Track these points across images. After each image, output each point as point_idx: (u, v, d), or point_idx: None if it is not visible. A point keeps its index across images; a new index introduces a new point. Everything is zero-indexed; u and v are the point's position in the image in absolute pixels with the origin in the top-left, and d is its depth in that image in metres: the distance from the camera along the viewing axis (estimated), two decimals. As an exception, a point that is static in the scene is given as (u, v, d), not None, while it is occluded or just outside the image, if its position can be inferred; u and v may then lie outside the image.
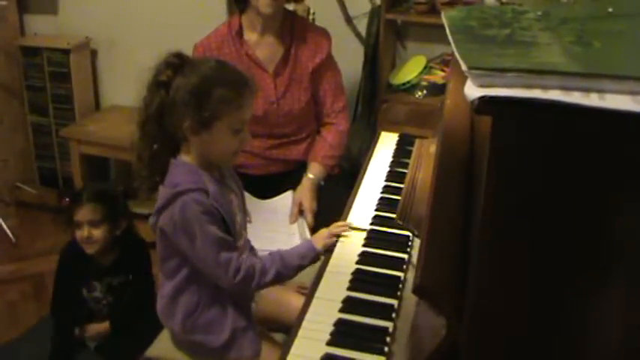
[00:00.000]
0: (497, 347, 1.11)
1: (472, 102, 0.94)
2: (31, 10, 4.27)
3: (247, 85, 1.90)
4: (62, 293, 2.81)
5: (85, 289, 2.77)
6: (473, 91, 0.94)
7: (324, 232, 2.09)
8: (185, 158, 1.90)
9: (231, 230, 1.92)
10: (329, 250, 2.03)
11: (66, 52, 4.01)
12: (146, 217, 3.66)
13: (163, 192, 1.89)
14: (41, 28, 4.26)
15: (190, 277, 1.93)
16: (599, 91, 0.93)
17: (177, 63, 1.87)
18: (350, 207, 2.25)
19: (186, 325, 1.96)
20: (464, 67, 0.98)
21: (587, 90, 0.93)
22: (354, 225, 2.13)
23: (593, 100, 0.91)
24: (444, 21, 1.28)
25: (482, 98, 0.93)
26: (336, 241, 2.08)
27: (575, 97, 0.91)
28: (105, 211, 2.75)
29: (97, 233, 2.72)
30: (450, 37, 1.17)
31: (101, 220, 2.73)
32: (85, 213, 2.71)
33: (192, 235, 1.83)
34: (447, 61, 3.50)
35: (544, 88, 0.93)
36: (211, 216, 1.85)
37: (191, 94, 1.82)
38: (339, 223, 2.13)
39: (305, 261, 1.99)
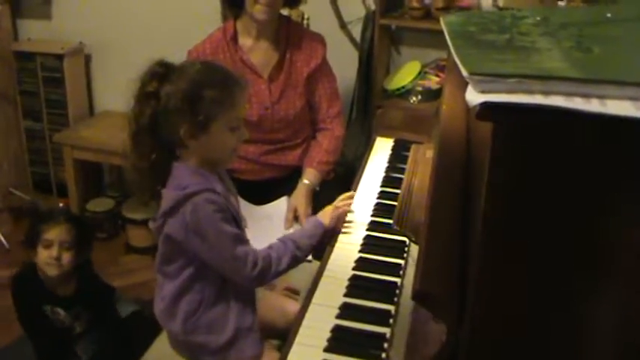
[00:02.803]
0: (498, 353, 1.11)
1: (473, 108, 0.94)
2: (25, 15, 4.26)
3: (237, 82, 1.90)
4: (27, 318, 2.76)
5: (49, 312, 2.74)
6: (474, 96, 0.94)
7: (329, 208, 2.13)
8: (187, 162, 1.90)
9: (240, 227, 1.93)
10: (330, 244, 2.06)
11: (60, 57, 4.01)
12: (140, 222, 3.70)
13: (170, 195, 1.87)
14: (35, 33, 4.25)
15: (196, 275, 1.92)
16: (600, 96, 0.93)
17: (161, 72, 1.86)
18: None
19: (187, 326, 1.94)
20: (465, 73, 0.97)
21: (588, 96, 0.92)
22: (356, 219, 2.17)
23: (594, 105, 0.91)
24: (443, 26, 1.28)
25: (483, 104, 0.92)
26: (345, 213, 2.13)
27: (577, 103, 0.91)
28: (77, 236, 2.72)
29: (67, 256, 2.68)
30: (449, 43, 1.17)
31: (72, 244, 2.70)
32: (59, 232, 2.68)
33: (205, 236, 1.83)
34: (441, 67, 3.50)
35: (545, 93, 0.92)
36: (224, 214, 1.85)
37: (183, 100, 1.82)
38: (344, 196, 2.15)
39: (314, 239, 2.03)
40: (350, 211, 2.15)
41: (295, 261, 1.97)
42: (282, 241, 1.99)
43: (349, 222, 2.15)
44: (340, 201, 2.16)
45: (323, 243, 2.06)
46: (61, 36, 4.17)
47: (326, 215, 2.11)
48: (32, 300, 2.72)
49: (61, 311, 2.73)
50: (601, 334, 1.06)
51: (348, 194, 2.20)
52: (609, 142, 0.94)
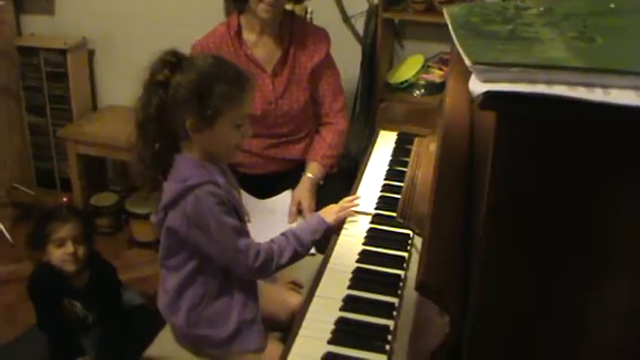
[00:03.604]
0: (501, 344, 1.11)
1: (477, 97, 0.94)
2: (28, 10, 4.26)
3: (247, 80, 1.90)
4: (46, 314, 2.77)
5: (67, 305, 2.76)
6: (477, 86, 0.94)
7: (333, 207, 2.12)
8: (189, 154, 1.89)
9: (242, 220, 1.93)
10: (334, 236, 2.05)
11: (63, 52, 4.00)
12: (144, 217, 3.70)
13: (172, 187, 1.87)
14: (38, 29, 4.24)
15: (198, 268, 1.93)
16: (604, 86, 0.93)
17: (173, 61, 1.86)
18: (349, 206, 2.23)
19: (190, 319, 1.95)
20: (468, 63, 0.97)
21: (591, 85, 0.93)
22: (360, 210, 2.17)
23: (597, 95, 0.91)
24: (447, 17, 1.28)
25: (486, 93, 0.92)
26: (348, 215, 2.11)
27: (580, 92, 0.91)
28: (85, 229, 2.77)
29: (81, 250, 2.71)
30: (452, 33, 1.17)
31: (83, 237, 2.73)
32: (70, 228, 2.70)
33: (207, 228, 1.83)
34: (444, 60, 3.50)
35: (548, 83, 0.92)
36: (225, 206, 1.86)
37: (192, 92, 1.82)
38: (349, 198, 2.15)
39: (317, 236, 2.02)
40: (353, 214, 2.14)
41: (296, 255, 1.98)
42: (285, 235, 1.99)
43: (353, 220, 2.14)
44: (346, 202, 2.16)
45: (325, 239, 2.06)
46: (64, 31, 4.16)
47: (330, 213, 2.10)
48: (52, 296, 2.74)
49: (77, 303, 2.76)
50: (606, 327, 1.06)
51: (353, 197, 2.20)
52: (613, 131, 0.94)
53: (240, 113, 1.88)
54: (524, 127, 0.95)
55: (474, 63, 0.96)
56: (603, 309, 1.05)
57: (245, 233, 1.92)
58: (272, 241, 1.97)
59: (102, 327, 2.81)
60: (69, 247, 2.68)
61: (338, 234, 2.07)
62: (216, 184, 1.86)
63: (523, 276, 1.05)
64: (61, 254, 2.68)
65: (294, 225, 2.63)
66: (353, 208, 2.15)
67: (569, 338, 1.08)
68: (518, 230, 1.03)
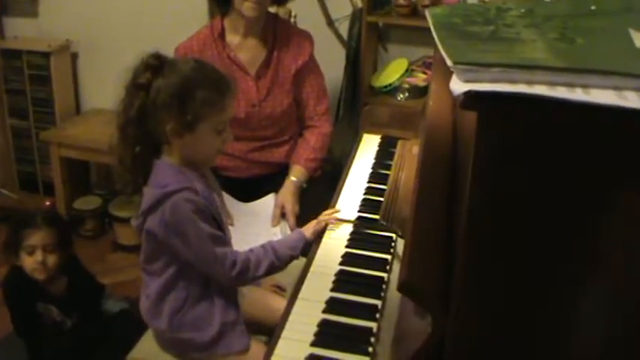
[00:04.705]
0: (482, 345, 1.11)
1: (457, 97, 0.94)
2: (11, 12, 4.24)
3: (229, 85, 1.89)
4: (20, 318, 2.75)
5: (42, 309, 2.73)
6: (458, 86, 0.94)
7: (312, 222, 2.12)
8: (169, 159, 1.89)
9: (221, 227, 1.92)
10: (316, 241, 2.05)
11: (46, 54, 3.99)
12: (127, 220, 3.69)
13: (150, 193, 1.86)
14: (21, 31, 4.23)
15: (179, 273, 1.92)
16: (584, 86, 0.93)
17: (155, 64, 1.85)
18: (333, 209, 2.23)
19: (173, 323, 1.94)
20: (449, 63, 0.97)
21: (572, 85, 0.93)
22: (341, 217, 2.16)
23: (578, 94, 0.91)
24: (428, 18, 1.28)
25: (467, 93, 0.93)
26: (326, 226, 2.11)
27: (561, 92, 0.91)
28: (58, 236, 2.71)
29: (51, 259, 2.66)
30: (434, 34, 1.17)
31: (55, 246, 2.68)
32: (41, 237, 2.65)
33: (185, 235, 1.83)
34: (428, 64, 3.51)
35: (529, 82, 0.93)
36: (203, 214, 1.85)
37: (173, 96, 1.81)
38: (328, 212, 2.15)
39: (296, 251, 2.01)
40: (333, 228, 2.13)
41: (273, 269, 1.97)
42: (264, 247, 1.98)
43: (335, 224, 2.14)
44: (324, 215, 2.15)
45: (304, 254, 2.05)
46: (48, 34, 4.15)
47: (309, 228, 2.10)
48: (26, 300, 2.71)
49: (53, 308, 2.72)
50: (586, 329, 1.06)
51: (332, 210, 2.20)
52: (593, 130, 0.94)
53: (221, 119, 1.88)
54: (505, 127, 0.95)
55: (455, 63, 0.96)
56: (585, 311, 1.05)
57: (222, 242, 1.91)
58: (250, 251, 1.96)
59: (82, 332, 2.79)
60: (38, 256, 2.63)
61: (320, 238, 2.07)
62: (194, 191, 1.85)
63: (505, 277, 1.06)
64: (31, 262, 2.64)
65: (278, 228, 2.63)
66: (333, 217, 2.15)
67: (551, 340, 1.08)
68: (500, 230, 1.03)
